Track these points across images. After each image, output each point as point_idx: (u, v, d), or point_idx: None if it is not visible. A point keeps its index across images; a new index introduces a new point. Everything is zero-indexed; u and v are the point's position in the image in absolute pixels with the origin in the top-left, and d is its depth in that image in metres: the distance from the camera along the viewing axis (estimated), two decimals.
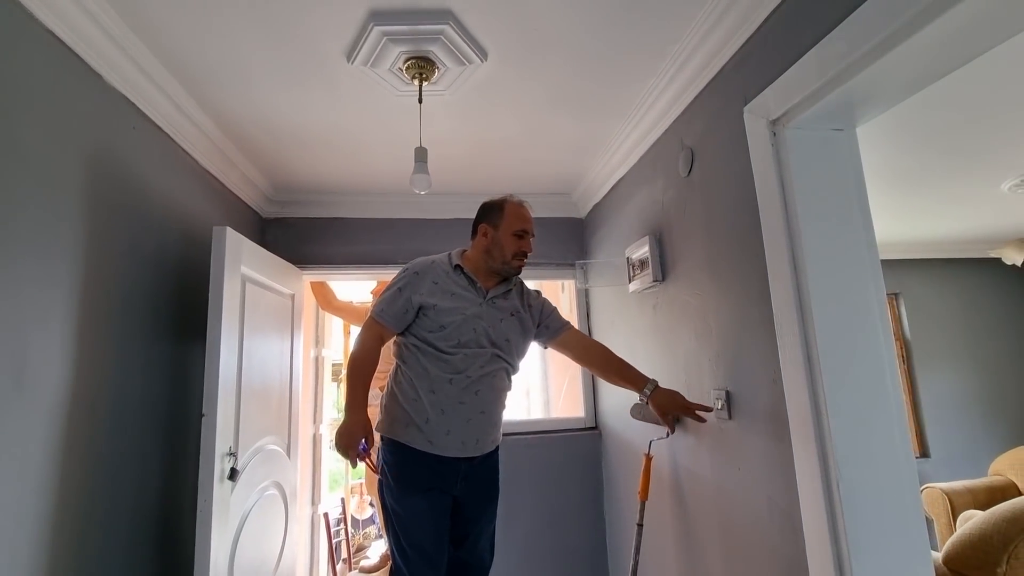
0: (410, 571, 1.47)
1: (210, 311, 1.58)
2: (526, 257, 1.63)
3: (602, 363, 1.72)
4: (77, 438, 1.22)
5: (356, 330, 4.19)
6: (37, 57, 1.13)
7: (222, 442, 1.55)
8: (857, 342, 1.12)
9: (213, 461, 1.51)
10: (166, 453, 1.61)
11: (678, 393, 1.59)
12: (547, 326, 1.72)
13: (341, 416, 1.52)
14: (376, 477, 3.02)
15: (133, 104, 1.46)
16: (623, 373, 1.68)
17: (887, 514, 1.06)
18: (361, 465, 1.56)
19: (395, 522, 1.50)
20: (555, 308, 1.76)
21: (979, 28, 0.85)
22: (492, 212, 1.64)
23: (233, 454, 1.62)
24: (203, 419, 1.52)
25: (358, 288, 3.87)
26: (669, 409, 1.58)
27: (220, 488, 1.53)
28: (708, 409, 1.50)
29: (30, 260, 1.10)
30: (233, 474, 1.60)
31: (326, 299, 3.02)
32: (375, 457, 1.51)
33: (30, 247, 1.10)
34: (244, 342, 1.75)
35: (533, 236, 1.65)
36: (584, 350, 1.75)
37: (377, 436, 1.55)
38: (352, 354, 1.53)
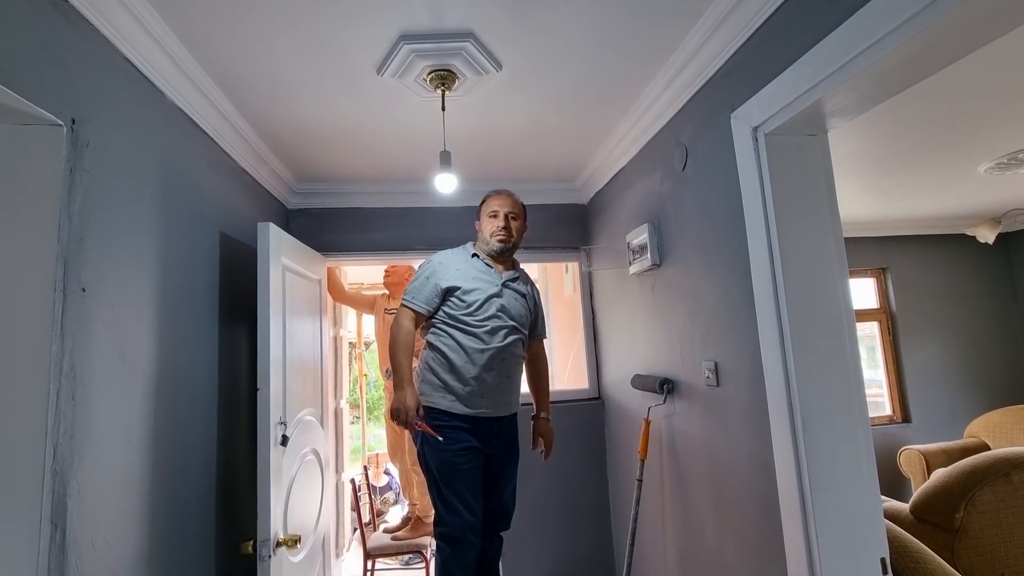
0: (452, 519, 1.72)
1: (259, 298, 1.79)
2: (505, 233, 1.85)
3: (532, 374, 2.08)
4: (162, 405, 1.44)
5: (366, 316, 4.40)
6: (121, 83, 1.31)
7: (275, 412, 1.77)
8: (822, 317, 1.33)
9: (269, 429, 1.73)
10: (223, 420, 1.83)
11: (551, 432, 2.03)
12: (534, 325, 2.00)
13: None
14: (399, 445, 3.26)
15: (186, 115, 1.63)
16: (539, 393, 2.07)
17: (842, 459, 1.28)
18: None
19: (439, 478, 1.74)
20: (542, 312, 2.07)
21: (916, 63, 1.03)
22: (480, 206, 1.95)
23: (284, 423, 1.85)
24: (259, 392, 1.74)
25: (373, 272, 4.08)
26: (538, 436, 2.01)
27: (275, 452, 1.76)
28: (546, 456, 2.01)
29: (125, 257, 1.30)
30: (285, 440, 1.83)
31: (337, 290, 3.21)
32: (427, 422, 1.74)
33: (125, 246, 1.30)
34: (286, 324, 1.96)
35: (515, 218, 1.87)
36: (534, 355, 2.07)
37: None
38: (392, 338, 1.77)
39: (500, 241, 1.84)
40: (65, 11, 1.13)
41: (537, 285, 2.13)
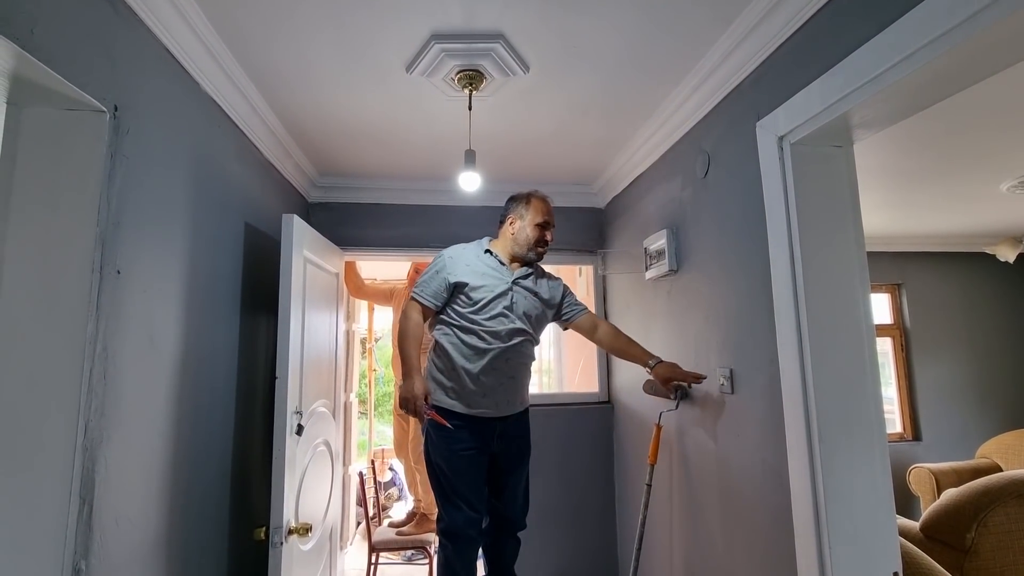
0: (452, 515, 1.74)
1: (281, 289, 1.82)
2: (546, 246, 1.86)
3: (610, 342, 1.96)
4: (186, 390, 1.47)
5: (380, 308, 4.43)
6: (160, 72, 1.34)
7: (292, 402, 1.80)
8: (842, 329, 1.33)
9: (285, 418, 1.75)
10: (240, 408, 1.85)
11: (676, 365, 1.81)
12: (569, 309, 1.96)
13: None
14: (405, 441, 3.28)
15: (219, 106, 1.67)
16: (629, 351, 1.91)
17: (858, 471, 1.28)
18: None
19: (441, 476, 1.76)
20: (572, 293, 2.00)
21: (948, 78, 1.04)
22: (519, 204, 1.88)
23: (299, 412, 1.87)
24: (277, 381, 1.76)
25: (393, 268, 4.10)
26: (669, 378, 1.80)
27: (290, 441, 1.79)
28: (703, 376, 1.72)
29: (157, 241, 1.34)
30: (300, 430, 1.85)
31: (357, 287, 3.25)
32: (436, 411, 1.75)
33: (157, 231, 1.34)
34: (305, 316, 1.99)
35: (554, 227, 1.88)
36: (593, 329, 1.98)
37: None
38: (400, 329, 1.79)
39: (539, 255, 1.85)
40: (113, 1, 1.17)
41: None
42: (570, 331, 2.07)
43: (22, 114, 1.08)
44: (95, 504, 1.10)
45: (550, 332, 3.45)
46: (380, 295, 3.44)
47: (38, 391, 1.02)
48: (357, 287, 3.22)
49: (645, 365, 1.86)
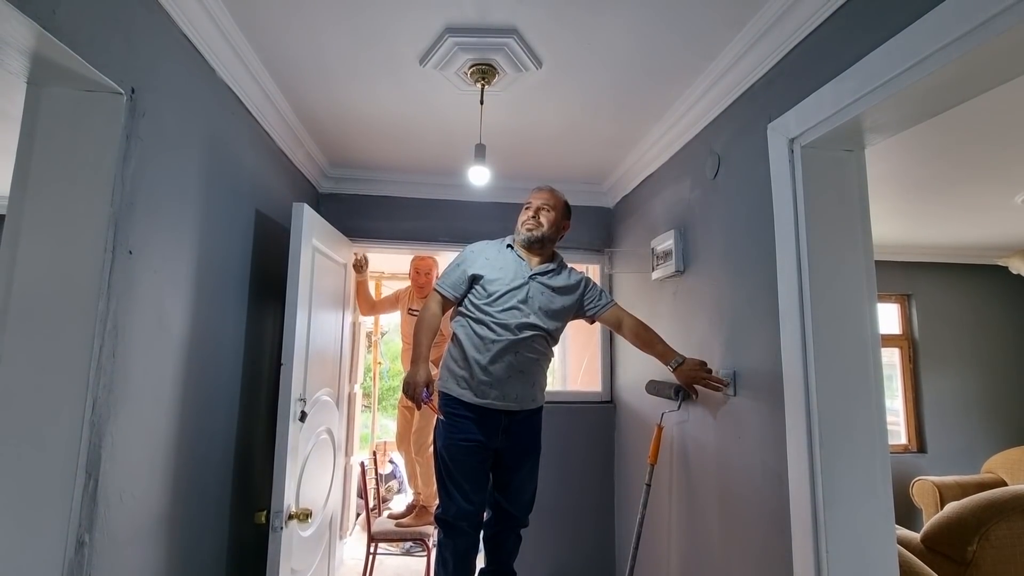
0: (448, 505, 1.78)
1: (289, 276, 1.83)
2: (533, 223, 1.87)
3: (634, 338, 1.92)
4: (192, 372, 1.49)
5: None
6: (177, 57, 1.36)
7: (296, 388, 1.82)
8: (847, 335, 1.32)
9: (289, 404, 1.77)
10: (244, 393, 1.88)
11: (703, 364, 1.73)
12: (592, 304, 1.94)
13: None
14: (407, 434, 3.31)
15: (233, 93, 1.69)
16: (653, 348, 1.87)
17: (858, 477, 1.28)
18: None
19: (441, 464, 1.78)
20: (599, 287, 1.99)
21: (962, 83, 1.03)
22: None
23: (303, 400, 1.89)
24: (282, 367, 1.78)
25: (401, 261, 4.12)
26: (691, 380, 1.75)
27: (293, 427, 1.80)
28: (723, 382, 1.67)
29: (169, 224, 1.36)
30: (303, 416, 1.87)
31: (371, 305, 3.28)
32: (436, 402, 1.80)
33: (169, 214, 1.35)
34: (312, 304, 2.01)
35: (544, 210, 1.87)
36: (619, 323, 1.96)
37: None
38: (418, 319, 1.85)
39: (528, 230, 1.85)
40: None
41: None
42: (572, 331, 2.08)
43: (41, 94, 1.10)
44: (100, 479, 1.12)
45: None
46: (388, 304, 3.48)
47: (49, 366, 1.04)
48: (371, 306, 3.26)
49: (667, 364, 1.81)
